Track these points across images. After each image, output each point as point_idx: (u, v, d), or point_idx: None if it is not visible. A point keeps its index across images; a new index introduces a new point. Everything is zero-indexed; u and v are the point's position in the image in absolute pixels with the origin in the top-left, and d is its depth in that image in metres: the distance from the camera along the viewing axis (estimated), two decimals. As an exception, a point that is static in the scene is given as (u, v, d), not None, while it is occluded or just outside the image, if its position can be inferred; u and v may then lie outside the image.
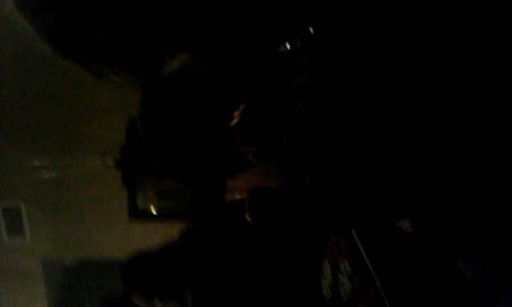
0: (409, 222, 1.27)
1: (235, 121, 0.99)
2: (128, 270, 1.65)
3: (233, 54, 0.96)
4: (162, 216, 3.24)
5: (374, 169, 1.07)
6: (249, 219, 1.15)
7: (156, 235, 3.18)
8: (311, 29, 0.94)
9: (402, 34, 0.93)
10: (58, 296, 4.17)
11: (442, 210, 1.11)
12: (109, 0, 0.67)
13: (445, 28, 0.94)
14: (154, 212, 3.27)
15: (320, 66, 0.95)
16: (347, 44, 0.94)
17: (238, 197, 1.73)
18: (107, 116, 3.55)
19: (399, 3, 0.92)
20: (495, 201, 1.00)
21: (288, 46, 0.95)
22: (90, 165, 3.52)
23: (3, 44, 3.28)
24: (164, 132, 1.10)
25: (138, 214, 3.27)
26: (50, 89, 3.48)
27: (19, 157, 3.56)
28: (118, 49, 0.71)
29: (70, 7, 0.66)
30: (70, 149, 3.62)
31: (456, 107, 0.96)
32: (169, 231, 1.92)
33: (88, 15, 0.66)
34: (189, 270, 1.63)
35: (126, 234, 3.76)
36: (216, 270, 1.65)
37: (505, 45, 0.89)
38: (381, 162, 1.05)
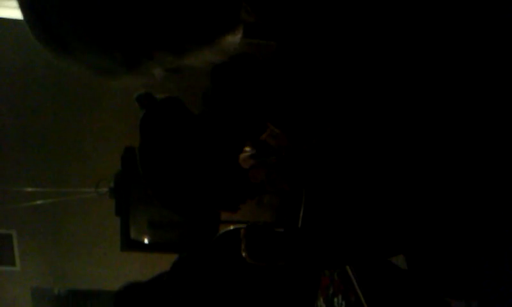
0: (404, 258, 1.26)
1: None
2: (120, 300, 1.64)
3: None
4: (155, 247, 3.21)
5: (369, 205, 1.08)
6: (244, 255, 1.15)
7: (149, 265, 3.14)
8: None
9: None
10: (47, 326, 4.09)
11: (437, 247, 1.11)
12: None
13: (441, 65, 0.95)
14: (147, 243, 3.24)
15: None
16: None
17: (233, 227, 1.73)
18: (102, 144, 3.55)
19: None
20: (492, 240, 1.00)
21: None
22: (84, 193, 3.50)
23: (2, 67, 3.31)
24: (161, 165, 1.10)
25: (131, 244, 3.24)
26: (46, 116, 3.49)
27: (12, 183, 3.54)
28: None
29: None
30: (64, 176, 3.61)
31: (447, 148, 0.97)
32: (162, 262, 1.91)
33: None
34: (182, 303, 1.62)
35: (118, 264, 3.72)
36: (209, 304, 1.63)
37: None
38: (376, 198, 1.06)
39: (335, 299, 1.66)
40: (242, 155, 1.06)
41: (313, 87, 1.00)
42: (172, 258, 1.74)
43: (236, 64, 1.02)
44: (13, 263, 3.87)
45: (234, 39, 0.85)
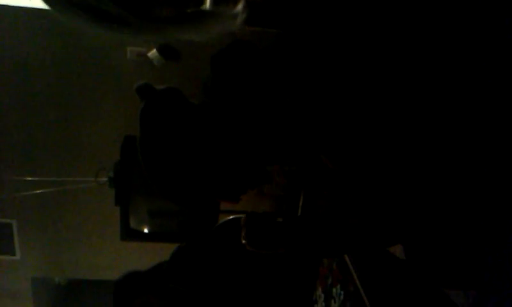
0: (402, 248, 1.27)
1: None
2: (119, 289, 1.64)
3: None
4: (154, 236, 3.22)
5: (367, 195, 1.08)
6: (244, 243, 1.15)
7: (148, 254, 3.15)
8: None
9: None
10: (47, 315, 4.11)
11: (435, 237, 1.11)
12: None
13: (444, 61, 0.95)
14: (147, 232, 3.25)
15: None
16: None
17: (233, 216, 1.73)
18: (102, 133, 3.55)
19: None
20: (490, 231, 1.01)
21: None
22: (84, 182, 3.50)
23: (3, 57, 3.29)
24: (162, 155, 1.10)
25: (130, 233, 3.24)
26: (46, 105, 3.48)
27: (12, 172, 3.54)
28: None
29: None
30: (64, 166, 3.61)
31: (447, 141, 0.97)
32: (162, 251, 1.91)
33: None
34: (180, 291, 1.62)
35: (118, 253, 3.73)
36: (208, 292, 1.63)
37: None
38: (374, 188, 1.06)
39: (334, 289, 1.67)
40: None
41: (314, 77, 1.00)
42: (172, 247, 1.74)
43: (235, 52, 1.01)
44: (13, 253, 3.88)
45: (235, 11, 0.85)
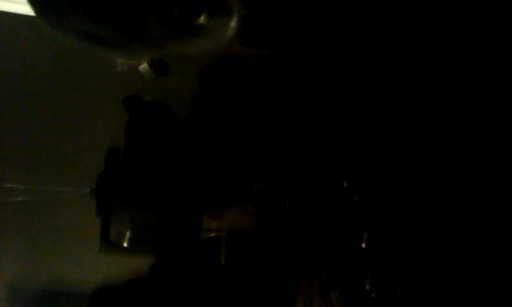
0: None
1: None
2: (95, 302, 1.62)
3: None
4: (134, 249, 3.19)
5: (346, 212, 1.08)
6: (224, 260, 1.15)
7: (127, 267, 3.12)
8: None
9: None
10: (21, 325, 4.03)
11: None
12: None
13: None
14: (126, 244, 3.22)
15: None
16: None
17: (214, 234, 1.72)
18: (87, 144, 3.52)
19: None
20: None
21: None
22: (65, 192, 3.46)
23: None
24: (145, 166, 1.10)
25: (110, 245, 3.21)
26: (27, 108, 3.45)
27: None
28: None
29: None
30: (46, 174, 3.56)
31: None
32: (141, 265, 1.89)
33: None
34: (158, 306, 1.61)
35: (96, 265, 3.68)
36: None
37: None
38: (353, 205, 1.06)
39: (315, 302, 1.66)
40: None
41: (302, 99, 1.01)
42: (151, 261, 1.73)
43: (224, 67, 1.02)
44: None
45: (226, 25, 0.86)
